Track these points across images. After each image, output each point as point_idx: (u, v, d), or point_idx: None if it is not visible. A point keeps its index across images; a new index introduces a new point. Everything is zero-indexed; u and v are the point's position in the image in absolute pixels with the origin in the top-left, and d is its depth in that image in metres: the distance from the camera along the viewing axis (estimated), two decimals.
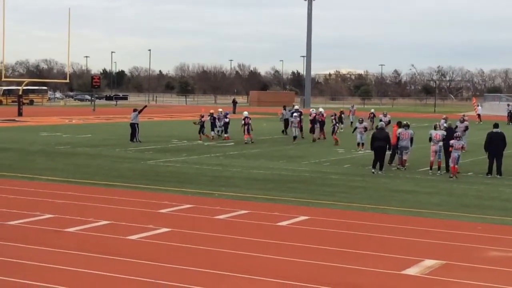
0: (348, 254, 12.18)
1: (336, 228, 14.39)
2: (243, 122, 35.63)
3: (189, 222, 14.79)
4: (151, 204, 16.73)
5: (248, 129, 35.35)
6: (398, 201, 18.07)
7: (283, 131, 41.43)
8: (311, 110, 39.60)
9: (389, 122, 36.50)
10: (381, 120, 35.25)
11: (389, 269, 11.19)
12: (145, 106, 37.62)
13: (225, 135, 36.90)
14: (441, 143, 23.89)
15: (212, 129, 37.04)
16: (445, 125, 26.65)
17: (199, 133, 36.56)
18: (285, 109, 42.68)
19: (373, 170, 23.51)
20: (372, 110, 46.83)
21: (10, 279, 10.10)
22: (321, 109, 39.64)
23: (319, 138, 37.32)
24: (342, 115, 46.10)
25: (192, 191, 19.01)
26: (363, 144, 30.91)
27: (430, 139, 24.38)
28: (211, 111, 38.41)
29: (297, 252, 12.13)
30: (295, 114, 37.74)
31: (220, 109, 39.19)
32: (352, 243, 13.05)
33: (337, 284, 10.35)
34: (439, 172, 23.67)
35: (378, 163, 23.64)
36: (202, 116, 37.08)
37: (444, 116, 33.47)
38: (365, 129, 32.00)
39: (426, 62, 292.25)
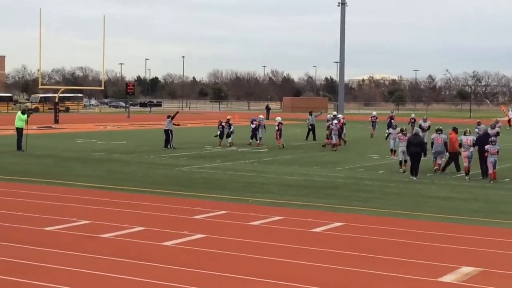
0: (383, 260, 12.08)
1: (371, 235, 14.29)
2: (276, 127, 36.01)
3: (223, 228, 14.80)
4: (185, 210, 16.79)
5: (280, 135, 35.95)
6: (433, 207, 17.89)
7: (307, 137, 41.46)
8: (328, 116, 39.34)
9: (429, 127, 36.03)
10: (420, 126, 35.04)
11: (425, 276, 11.07)
12: (177, 112, 37.79)
13: (253, 140, 36.95)
14: (472, 149, 23.80)
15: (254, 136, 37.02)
16: (476, 130, 26.39)
17: (220, 138, 36.82)
18: (311, 114, 42.38)
19: (411, 177, 23.31)
20: (413, 115, 46.28)
21: (46, 284, 10.19)
22: (340, 116, 39.36)
23: (338, 145, 37.15)
24: (392, 121, 45.26)
25: (226, 197, 19.03)
26: (395, 151, 29.63)
27: (461, 145, 24.26)
28: (228, 117, 38.79)
29: (331, 259, 12.07)
30: (335, 121, 37.86)
31: (261, 116, 39.32)
32: (387, 249, 12.94)
33: None
34: (467, 177, 23.46)
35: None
36: (221, 123, 37.28)
37: (478, 121, 33.08)
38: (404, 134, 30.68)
39: (461, 67, 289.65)
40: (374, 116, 47.34)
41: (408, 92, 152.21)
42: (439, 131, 25.24)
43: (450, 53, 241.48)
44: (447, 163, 25.14)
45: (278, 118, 37.51)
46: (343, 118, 39.28)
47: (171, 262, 11.59)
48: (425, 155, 23.82)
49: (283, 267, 11.56)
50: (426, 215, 16.69)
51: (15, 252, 12.17)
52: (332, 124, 36.27)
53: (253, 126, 37.07)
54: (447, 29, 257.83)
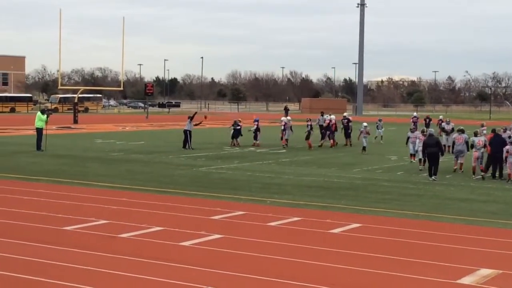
0: (401, 262, 12.04)
1: (389, 236, 14.25)
2: (282, 127, 36.83)
3: (242, 228, 14.83)
4: (203, 210, 16.82)
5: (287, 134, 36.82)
6: (452, 209, 17.80)
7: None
8: (325, 116, 39.36)
9: (452, 130, 35.75)
10: (443, 129, 34.87)
11: (444, 278, 11.02)
12: (196, 113, 37.87)
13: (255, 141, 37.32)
14: (483, 149, 24.41)
15: (236, 137, 37.39)
16: (484, 131, 26.41)
17: (233, 138, 37.22)
18: (322, 115, 41.53)
19: (429, 178, 23.27)
20: (441, 117, 45.70)
21: (66, 283, 10.26)
22: (332, 116, 39.52)
23: (332, 146, 37.38)
24: (431, 122, 44.86)
25: (244, 197, 19.05)
26: (414, 155, 28.50)
27: (472, 146, 24.83)
28: (239, 119, 39.19)
29: (349, 260, 12.05)
30: (350, 124, 38.02)
31: (289, 117, 39.81)
32: (405, 251, 12.90)
33: None
34: (473, 176, 24.15)
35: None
36: (236, 122, 37.68)
37: (482, 123, 32.78)
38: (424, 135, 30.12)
39: (481, 68, 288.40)
40: (415, 117, 47.01)
41: (427, 94, 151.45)
42: (460, 131, 25.74)
43: (470, 54, 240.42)
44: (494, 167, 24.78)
45: (284, 118, 38.09)
46: (349, 118, 39.15)
47: (189, 262, 11.62)
48: (442, 154, 24.00)
49: (301, 267, 11.56)
50: (444, 217, 16.62)
51: (34, 252, 12.26)
52: (312, 123, 37.03)
53: (255, 127, 37.49)
54: (467, 30, 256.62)
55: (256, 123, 37.52)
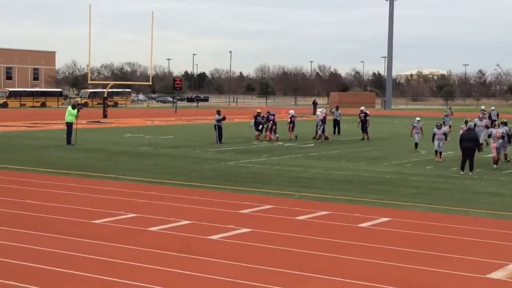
0: (430, 256, 11.95)
1: (418, 230, 14.16)
2: (289, 120, 37.74)
3: (270, 222, 14.82)
4: (231, 204, 16.85)
5: (292, 127, 37.67)
6: (482, 203, 17.63)
7: (334, 132, 41.48)
8: (320, 110, 39.52)
9: (486, 127, 35.23)
10: (475, 125, 34.37)
11: (473, 272, 10.93)
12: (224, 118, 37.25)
13: (276, 135, 37.33)
14: (501, 140, 25.27)
15: (257, 129, 37.50)
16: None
17: (259, 132, 37.25)
18: (337, 109, 42.96)
19: (461, 172, 23.09)
20: (493, 108, 44.61)
21: (94, 275, 10.34)
22: (323, 109, 39.90)
23: (319, 138, 37.48)
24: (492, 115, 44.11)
25: (273, 191, 19.05)
26: (441, 153, 27.58)
27: (489, 136, 26.26)
28: (258, 110, 39.25)
29: (378, 254, 11.99)
30: (318, 112, 38.47)
31: (322, 109, 40.47)
32: (434, 245, 12.80)
33: (419, 286, 10.17)
34: (495, 166, 24.80)
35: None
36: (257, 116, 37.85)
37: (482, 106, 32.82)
38: (445, 136, 28.25)
39: None
40: (483, 110, 46.23)
41: (457, 87, 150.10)
42: (503, 123, 26.57)
43: (501, 47, 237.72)
44: None
45: (291, 111, 38.66)
46: (366, 112, 38.92)
47: (217, 256, 11.65)
48: (479, 150, 23.96)
49: (329, 261, 11.53)
50: (474, 211, 16.47)
51: (64, 244, 12.37)
52: (293, 118, 37.61)
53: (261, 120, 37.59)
54: (498, 23, 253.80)
55: (273, 117, 37.52)
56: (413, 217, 15.66)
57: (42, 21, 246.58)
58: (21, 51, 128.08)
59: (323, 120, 37.56)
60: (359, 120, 39.05)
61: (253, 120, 37.72)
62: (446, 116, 44.87)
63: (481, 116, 35.32)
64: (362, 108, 40.14)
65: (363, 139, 38.07)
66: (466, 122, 26.18)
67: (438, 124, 28.50)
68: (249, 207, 16.51)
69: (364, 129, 38.53)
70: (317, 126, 37.73)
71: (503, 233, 14.00)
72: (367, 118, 38.60)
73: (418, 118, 32.97)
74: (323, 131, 37.50)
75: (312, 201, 17.49)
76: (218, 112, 35.75)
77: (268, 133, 37.13)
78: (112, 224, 14.39)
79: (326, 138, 37.26)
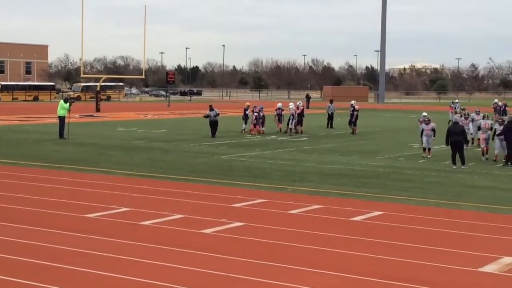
0: (423, 250, 11.96)
1: (411, 224, 14.18)
2: (275, 112, 38.27)
3: (263, 216, 14.82)
4: (224, 198, 16.84)
5: (280, 120, 38.11)
6: (475, 197, 17.67)
7: (327, 126, 42.47)
8: (298, 103, 39.65)
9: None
10: (472, 120, 34.21)
11: (466, 266, 10.94)
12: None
13: (262, 128, 37.46)
14: (489, 132, 25.82)
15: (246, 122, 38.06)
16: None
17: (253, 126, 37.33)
18: (331, 103, 44.09)
19: (453, 166, 23.16)
20: (496, 100, 44.17)
21: (87, 270, 10.32)
22: (299, 102, 40.11)
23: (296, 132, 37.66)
24: (506, 108, 43.66)
25: (266, 185, 19.04)
26: (430, 149, 26.61)
27: (479, 128, 26.69)
28: (247, 103, 39.76)
29: (370, 248, 12.00)
30: (290, 106, 38.56)
31: (299, 102, 40.96)
32: (427, 239, 12.82)
33: (411, 280, 10.18)
34: (483, 158, 25.42)
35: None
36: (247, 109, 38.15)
37: (477, 109, 32.42)
38: (433, 131, 26.52)
39: (505, 55, 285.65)
40: (496, 103, 45.71)
41: (450, 81, 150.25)
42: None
43: (494, 41, 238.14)
44: None
45: (279, 104, 39.04)
46: (355, 107, 39.06)
47: (209, 250, 11.64)
48: (466, 143, 23.97)
49: (322, 255, 11.53)
50: (467, 205, 16.50)
51: (57, 239, 12.34)
52: (280, 111, 37.98)
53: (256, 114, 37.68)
54: (490, 17, 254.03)
55: (259, 111, 37.57)
56: (406, 210, 15.68)
57: (34, 14, 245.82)
58: (13, 44, 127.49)
59: (300, 114, 37.84)
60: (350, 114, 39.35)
61: (243, 113, 38.03)
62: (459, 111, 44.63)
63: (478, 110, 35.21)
64: (352, 102, 40.42)
65: (353, 132, 38.22)
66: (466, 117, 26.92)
67: (426, 120, 27.01)
68: (242, 201, 16.50)
69: (353, 123, 38.72)
70: (289, 119, 37.80)
71: (495, 227, 14.03)
72: (355, 113, 38.74)
73: (424, 113, 29.09)
74: (296, 124, 37.72)
75: (305, 195, 17.49)
76: (211, 108, 35.53)
77: (252, 126, 37.16)
78: (104, 218, 14.36)
79: (297, 132, 37.48)
